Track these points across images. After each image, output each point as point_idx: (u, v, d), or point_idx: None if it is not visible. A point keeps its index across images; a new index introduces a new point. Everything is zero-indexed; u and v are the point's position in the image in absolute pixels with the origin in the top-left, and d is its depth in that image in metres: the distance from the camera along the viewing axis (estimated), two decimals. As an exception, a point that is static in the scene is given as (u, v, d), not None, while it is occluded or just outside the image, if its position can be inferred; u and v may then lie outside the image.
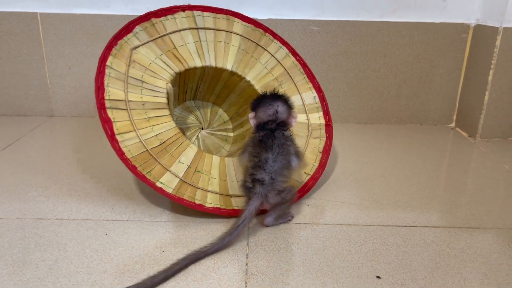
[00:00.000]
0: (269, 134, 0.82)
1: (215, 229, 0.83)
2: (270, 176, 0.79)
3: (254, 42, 1.10)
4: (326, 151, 1.05)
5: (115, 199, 0.94)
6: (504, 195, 1.00)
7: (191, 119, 1.15)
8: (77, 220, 0.86)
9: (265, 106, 0.84)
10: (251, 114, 0.86)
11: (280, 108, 0.84)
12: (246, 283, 0.69)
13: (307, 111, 1.08)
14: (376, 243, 0.80)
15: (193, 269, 0.71)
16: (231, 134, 1.18)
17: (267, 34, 1.13)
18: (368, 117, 1.50)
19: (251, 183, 0.80)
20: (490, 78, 1.30)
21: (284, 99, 0.85)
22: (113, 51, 0.95)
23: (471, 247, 0.80)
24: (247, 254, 0.76)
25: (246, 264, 0.73)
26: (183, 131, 1.11)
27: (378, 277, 0.71)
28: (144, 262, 0.73)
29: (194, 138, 1.13)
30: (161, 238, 0.80)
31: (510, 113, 1.35)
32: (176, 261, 0.71)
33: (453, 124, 1.51)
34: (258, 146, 0.82)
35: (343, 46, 1.41)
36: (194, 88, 1.14)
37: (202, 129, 1.16)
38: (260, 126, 0.84)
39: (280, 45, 1.13)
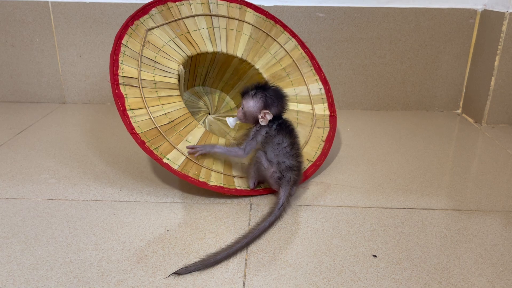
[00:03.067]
0: (281, 122, 0.88)
1: (218, 210, 0.86)
2: (296, 160, 0.86)
3: (264, 32, 1.13)
4: (329, 140, 1.07)
5: (123, 181, 0.98)
6: (505, 179, 1.01)
7: (199, 104, 1.18)
8: (87, 201, 0.89)
9: (277, 102, 0.88)
10: (267, 114, 0.86)
11: (285, 104, 0.90)
12: (246, 260, 0.71)
13: (312, 102, 1.10)
14: (374, 224, 0.82)
15: (196, 246, 0.75)
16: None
17: (277, 25, 1.15)
18: (374, 103, 1.51)
19: (279, 173, 0.85)
20: (496, 63, 1.30)
21: (285, 94, 0.90)
22: (129, 30, 0.98)
23: (468, 228, 0.81)
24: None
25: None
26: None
27: (374, 256, 0.73)
28: (149, 240, 0.76)
29: (201, 122, 1.16)
30: (166, 218, 0.83)
31: (517, 99, 1.34)
32: (237, 239, 0.75)
33: (459, 110, 1.51)
34: (275, 135, 0.86)
35: (349, 32, 1.42)
36: (204, 74, 1.16)
37: (209, 114, 1.19)
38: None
39: (290, 36, 1.15)
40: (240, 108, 0.90)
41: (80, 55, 1.48)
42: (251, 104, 0.88)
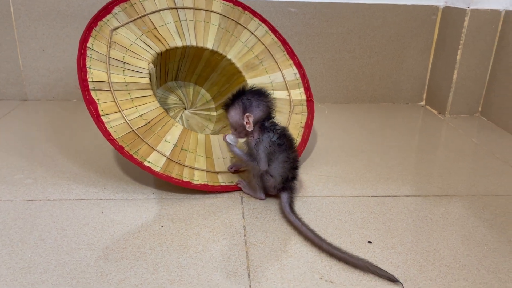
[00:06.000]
0: (280, 133, 0.84)
1: (210, 204, 0.86)
2: (297, 169, 0.86)
3: (233, 20, 1.11)
4: (308, 126, 1.08)
5: (105, 179, 0.94)
6: (474, 165, 1.08)
7: (174, 99, 1.16)
8: (70, 200, 0.86)
9: (257, 102, 0.82)
10: (249, 117, 0.81)
11: (269, 103, 0.84)
12: (246, 252, 0.72)
13: (288, 88, 1.11)
14: (364, 212, 0.85)
15: (194, 241, 0.74)
16: (214, 113, 1.20)
17: (246, 12, 1.14)
18: (344, 97, 1.55)
19: (281, 184, 0.84)
20: (458, 57, 1.38)
21: (266, 92, 0.84)
22: (93, 32, 0.94)
23: (450, 212, 0.86)
24: (244, 226, 0.79)
25: (244, 235, 0.76)
26: (166, 112, 1.11)
27: (369, 242, 0.75)
28: (144, 238, 0.74)
29: (178, 118, 1.14)
30: (158, 214, 0.82)
31: (476, 90, 1.43)
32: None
33: (423, 103, 1.58)
34: (278, 149, 0.82)
35: (320, 27, 1.44)
36: (176, 69, 1.14)
37: (186, 109, 1.17)
38: (261, 127, 0.83)
39: (260, 22, 1.14)
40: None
41: (43, 49, 1.40)
42: (233, 113, 0.82)
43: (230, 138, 0.85)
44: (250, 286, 0.64)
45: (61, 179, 0.94)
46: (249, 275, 0.66)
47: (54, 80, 1.45)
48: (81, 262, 0.68)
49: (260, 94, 0.83)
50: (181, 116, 1.15)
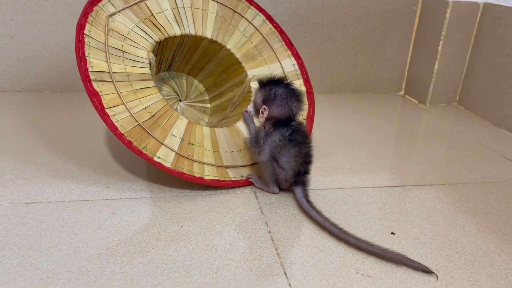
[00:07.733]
0: (294, 129, 0.81)
1: (225, 200, 0.83)
2: (310, 164, 0.85)
3: (231, 8, 1.08)
4: (310, 118, 1.07)
5: (106, 177, 0.89)
6: (466, 154, 1.12)
7: (168, 91, 1.11)
8: (74, 201, 0.79)
9: (284, 102, 0.81)
10: (265, 111, 0.81)
11: (295, 108, 0.82)
12: (276, 249, 0.70)
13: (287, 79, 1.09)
14: (379, 203, 0.86)
15: (219, 241, 0.71)
16: (209, 105, 1.16)
17: (243, 0, 1.10)
18: (327, 87, 1.56)
19: (293, 178, 0.82)
20: (440, 48, 1.42)
21: (298, 97, 0.83)
22: (90, 18, 0.88)
23: (458, 200, 0.88)
24: (266, 222, 0.77)
25: (269, 232, 0.74)
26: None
27: (392, 233, 0.76)
28: (166, 239, 0.70)
29: (173, 110, 1.09)
30: (173, 214, 0.78)
31: (454, 80, 1.48)
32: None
33: (402, 92, 1.62)
34: (289, 144, 0.81)
35: (306, 17, 1.43)
36: (170, 59, 1.09)
37: (180, 101, 1.12)
38: (274, 123, 0.82)
39: (257, 11, 1.11)
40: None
41: (11, 36, 1.29)
42: (259, 95, 0.82)
43: (251, 107, 0.86)
44: (290, 285, 0.62)
45: (57, 179, 0.87)
46: (285, 273, 0.64)
47: (24, 70, 1.34)
48: (106, 269, 0.63)
49: (292, 97, 0.81)
50: (176, 108, 1.10)
